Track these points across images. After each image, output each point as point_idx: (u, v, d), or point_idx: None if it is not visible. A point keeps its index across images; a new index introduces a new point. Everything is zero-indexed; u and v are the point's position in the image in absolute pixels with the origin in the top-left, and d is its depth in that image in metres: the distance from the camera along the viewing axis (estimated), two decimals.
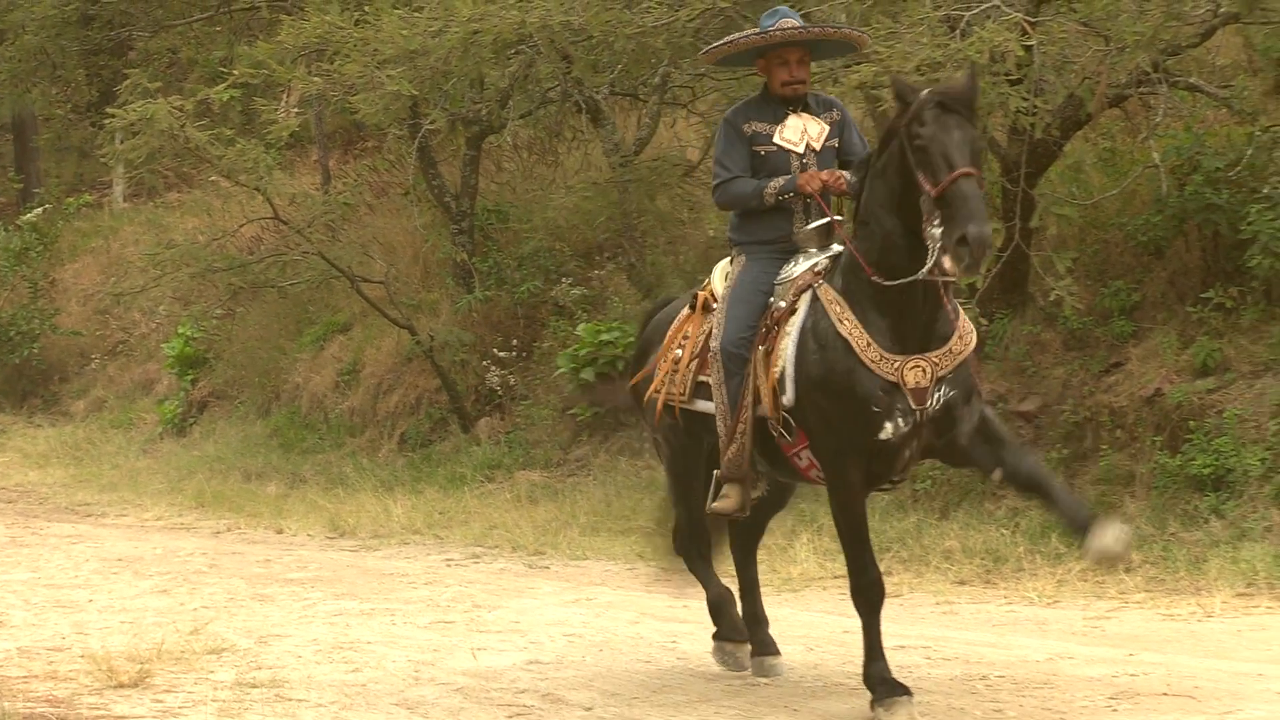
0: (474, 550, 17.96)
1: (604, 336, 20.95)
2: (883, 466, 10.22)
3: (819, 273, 10.43)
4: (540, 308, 22.94)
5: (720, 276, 11.13)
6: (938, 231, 9.60)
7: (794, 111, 10.97)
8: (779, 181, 10.80)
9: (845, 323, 10.06)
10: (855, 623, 12.88)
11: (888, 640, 12.06)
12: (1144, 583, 13.92)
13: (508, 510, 19.48)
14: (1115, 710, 9.78)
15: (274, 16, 22.69)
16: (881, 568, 15.00)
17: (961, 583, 14.53)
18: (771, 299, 10.60)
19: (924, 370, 9.98)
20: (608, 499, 19.26)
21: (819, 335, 10.19)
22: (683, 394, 11.10)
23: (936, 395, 10.01)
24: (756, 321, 10.61)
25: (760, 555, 15.41)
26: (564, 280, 22.52)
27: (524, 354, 22.79)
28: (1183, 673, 10.68)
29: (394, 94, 18.98)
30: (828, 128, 10.98)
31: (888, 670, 10.08)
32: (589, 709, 10.39)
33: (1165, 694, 10.06)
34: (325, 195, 26.10)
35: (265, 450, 24.90)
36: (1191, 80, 16.89)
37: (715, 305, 11.00)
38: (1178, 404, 15.99)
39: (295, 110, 26.32)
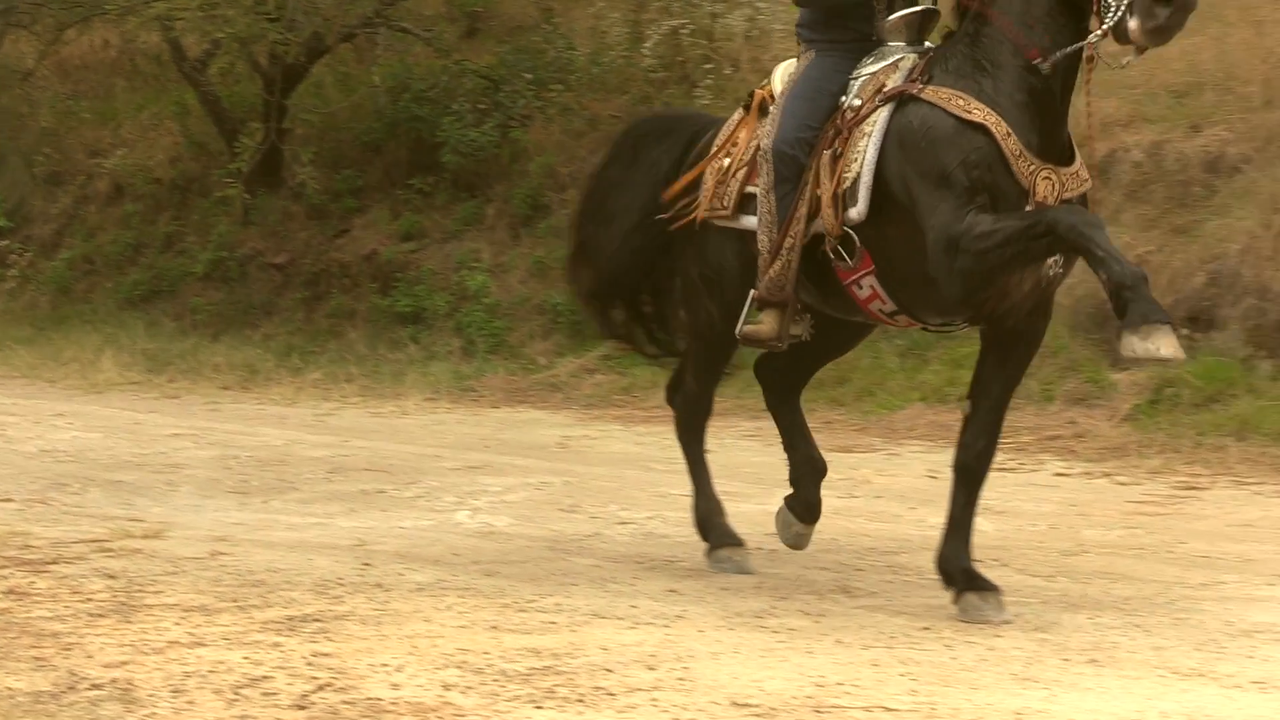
0: None
1: None
2: None
3: (913, 78, 6.58)
4: None
5: (781, 76, 7.14)
6: None
7: None
8: None
9: (976, 111, 6.32)
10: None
11: (163, 429, 11.89)
12: (358, 390, 13.99)
13: None
14: (330, 480, 9.77)
15: None
16: (163, 378, 14.99)
17: (225, 389, 14.33)
18: (844, 99, 6.76)
19: (1053, 184, 6.31)
20: None
21: (925, 121, 6.42)
22: (725, 208, 7.13)
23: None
24: (819, 123, 6.78)
25: (72, 367, 15.13)
26: None
27: None
28: (383, 454, 10.73)
29: None
30: None
31: (1139, 279, 5.96)
32: None
33: (367, 469, 10.09)
34: None
35: None
36: (404, 24, 17.03)
37: (773, 108, 7.04)
38: (389, 260, 16.14)
39: None
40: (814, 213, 6.71)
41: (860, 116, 6.62)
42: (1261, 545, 7.59)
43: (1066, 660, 5.56)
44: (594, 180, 8.13)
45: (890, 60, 6.74)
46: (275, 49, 16.27)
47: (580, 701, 5.08)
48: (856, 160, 6.56)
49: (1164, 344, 5.84)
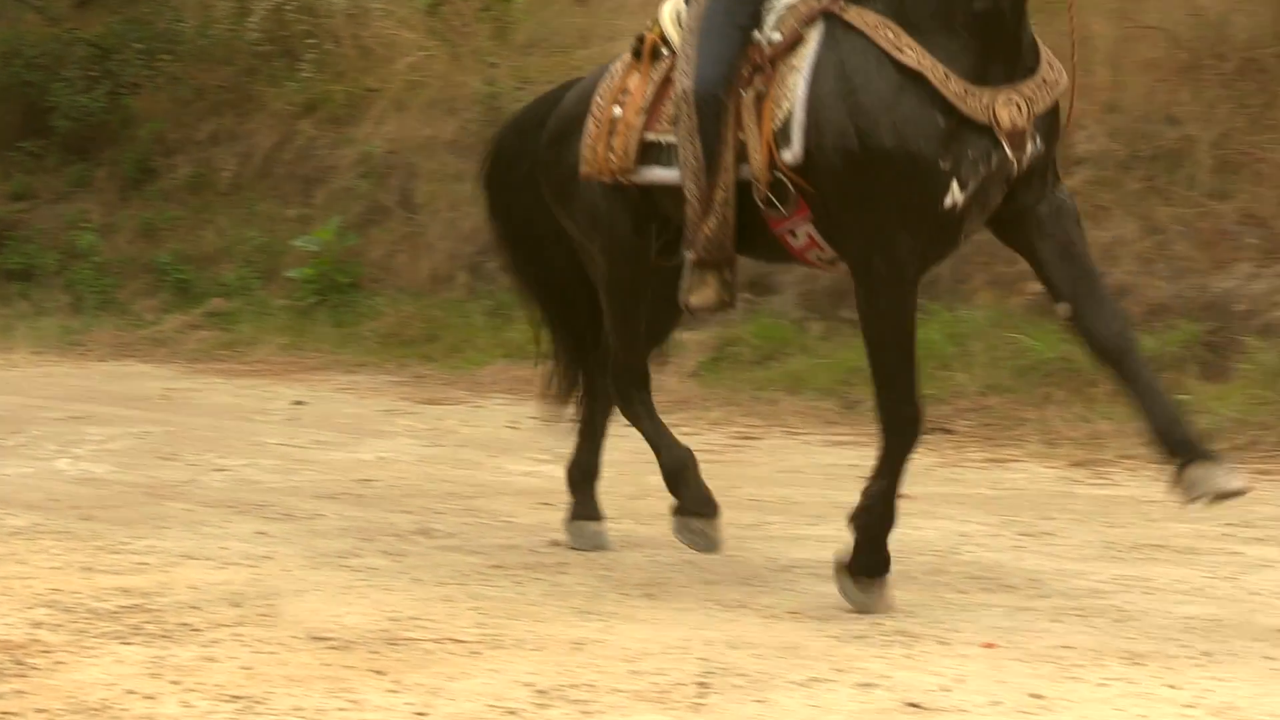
0: None
1: None
2: (943, 245, 5.37)
3: None
4: None
5: (670, 15, 5.89)
6: None
7: None
8: None
9: (908, 51, 5.16)
10: None
11: None
12: None
13: None
14: None
15: None
16: None
17: None
18: (757, 33, 5.53)
19: (1019, 106, 5.18)
20: None
21: (856, 70, 5.24)
22: (624, 160, 5.79)
23: (1031, 145, 5.22)
24: (736, 58, 5.53)
25: None
26: None
27: None
28: None
29: None
30: None
31: (885, 543, 5.37)
32: None
33: None
34: None
35: None
36: None
37: (666, 51, 5.82)
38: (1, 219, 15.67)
39: None
40: (741, 159, 5.50)
41: (784, 47, 5.42)
42: (806, 489, 7.79)
43: (625, 594, 5.63)
44: None
45: None
46: None
47: (166, 637, 4.97)
48: (787, 99, 5.37)
49: (879, 599, 5.32)
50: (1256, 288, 9.48)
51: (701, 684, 4.54)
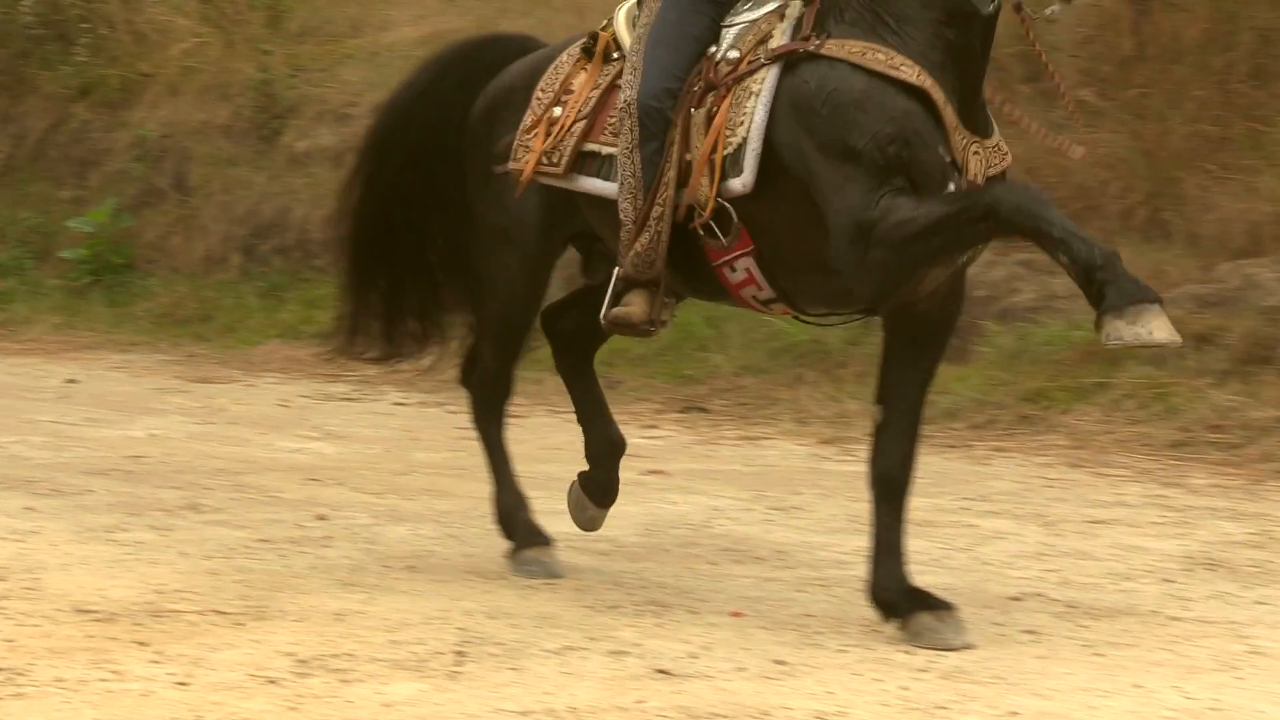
0: None
1: None
2: None
3: (805, 34, 4.90)
4: None
5: (626, 19, 5.38)
6: None
7: None
8: None
9: (904, 69, 4.71)
10: None
11: None
12: None
13: None
14: None
15: None
16: None
17: None
18: (714, 48, 5.10)
19: (982, 159, 4.81)
20: None
21: (829, 81, 4.80)
22: (557, 166, 5.29)
23: None
24: (685, 71, 5.09)
25: None
26: None
27: None
28: None
29: None
30: None
31: (1111, 257, 4.57)
32: None
33: None
34: None
35: None
36: None
37: (617, 54, 5.34)
38: None
39: None
40: (684, 180, 5.03)
41: (742, 71, 4.98)
42: (568, 466, 7.76)
43: (387, 567, 5.63)
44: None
45: (771, 7, 5.07)
46: None
47: None
48: (742, 124, 4.91)
49: (1156, 326, 4.46)
50: (995, 274, 9.68)
51: (459, 653, 4.56)
